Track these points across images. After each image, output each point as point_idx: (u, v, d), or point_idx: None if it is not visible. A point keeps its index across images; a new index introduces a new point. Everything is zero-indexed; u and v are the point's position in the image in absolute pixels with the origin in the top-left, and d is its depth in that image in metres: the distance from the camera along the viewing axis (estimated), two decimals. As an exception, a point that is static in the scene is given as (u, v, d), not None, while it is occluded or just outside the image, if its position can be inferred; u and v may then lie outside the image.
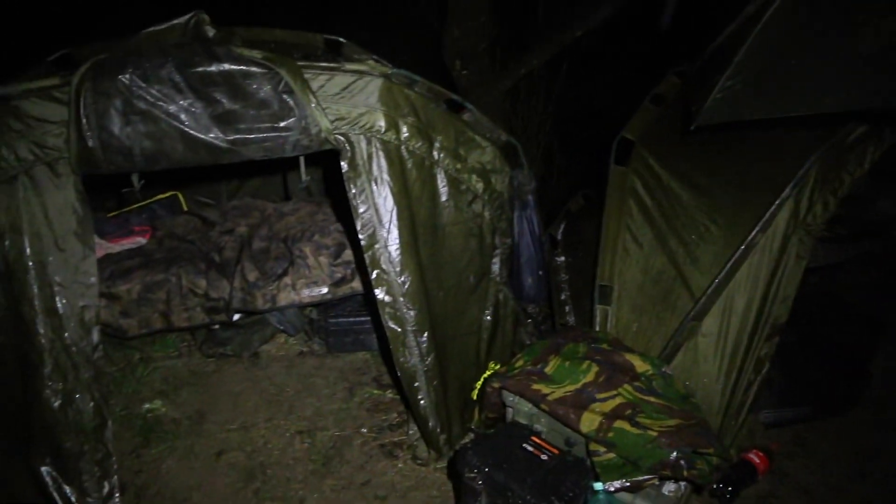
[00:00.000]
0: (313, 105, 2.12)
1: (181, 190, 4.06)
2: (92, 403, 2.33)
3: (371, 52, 2.44)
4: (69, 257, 2.22)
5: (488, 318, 2.78)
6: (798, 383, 2.88)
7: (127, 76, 2.01)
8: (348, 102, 2.19)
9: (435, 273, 2.51)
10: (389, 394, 3.19)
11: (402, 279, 2.37)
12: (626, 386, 2.27)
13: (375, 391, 3.22)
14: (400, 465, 2.73)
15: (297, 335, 3.63)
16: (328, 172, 4.14)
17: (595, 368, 2.35)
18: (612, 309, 2.75)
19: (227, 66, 2.06)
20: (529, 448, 2.17)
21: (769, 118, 2.02)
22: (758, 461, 2.55)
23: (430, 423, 2.59)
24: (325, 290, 3.26)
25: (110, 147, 2.07)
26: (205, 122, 2.09)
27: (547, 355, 2.47)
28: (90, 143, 2.05)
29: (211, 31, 2.11)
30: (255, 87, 2.08)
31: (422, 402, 2.54)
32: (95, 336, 2.31)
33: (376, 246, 2.33)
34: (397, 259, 2.35)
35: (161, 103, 2.05)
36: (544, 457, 2.13)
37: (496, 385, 2.41)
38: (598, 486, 2.06)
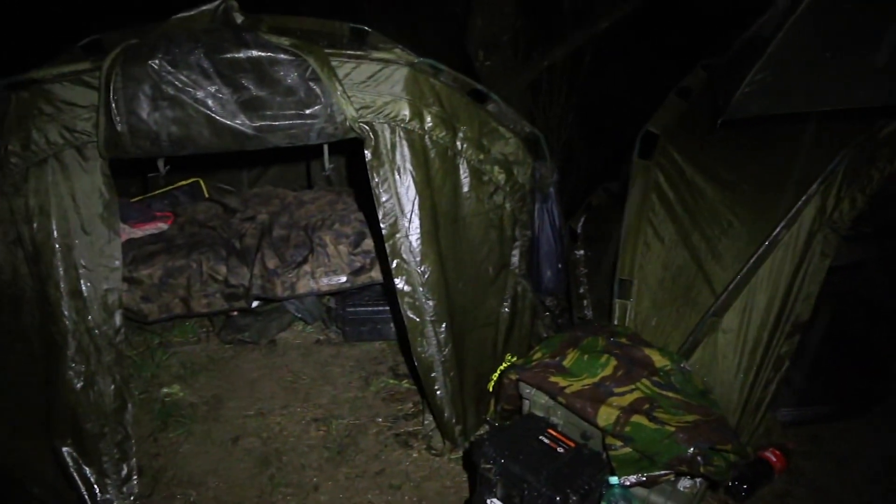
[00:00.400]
0: (339, 93, 2.13)
1: (203, 177, 4.09)
2: (113, 386, 2.36)
3: (396, 42, 2.43)
4: (95, 240, 2.24)
5: (506, 309, 2.78)
6: (818, 382, 2.85)
7: (156, 61, 2.03)
8: (374, 91, 2.19)
9: (454, 264, 2.51)
10: (405, 384, 3.20)
11: (423, 269, 2.37)
12: (644, 380, 2.26)
13: (391, 381, 3.23)
14: (414, 455, 2.74)
15: (315, 323, 3.65)
16: (350, 161, 4.15)
17: (613, 362, 2.34)
18: (631, 303, 2.73)
19: (255, 53, 2.07)
20: (545, 440, 2.17)
21: (798, 112, 2.00)
22: (774, 460, 2.53)
23: (446, 414, 2.60)
24: (343, 278, 3.28)
25: (138, 132, 2.09)
26: (231, 109, 2.10)
27: (565, 348, 2.46)
28: (118, 128, 2.06)
29: (239, 18, 2.12)
30: (282, 73, 2.09)
31: (438, 392, 2.55)
32: (118, 319, 2.33)
33: (397, 235, 2.33)
34: (418, 249, 2.35)
35: (189, 89, 2.06)
36: (560, 449, 2.13)
37: (513, 377, 2.41)
38: (614, 480, 2.05)
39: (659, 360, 2.38)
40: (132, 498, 2.40)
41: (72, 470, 2.35)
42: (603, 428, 2.11)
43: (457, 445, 2.70)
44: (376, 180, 2.27)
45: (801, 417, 2.84)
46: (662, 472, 2.06)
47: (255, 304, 3.39)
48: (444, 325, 2.45)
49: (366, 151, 2.24)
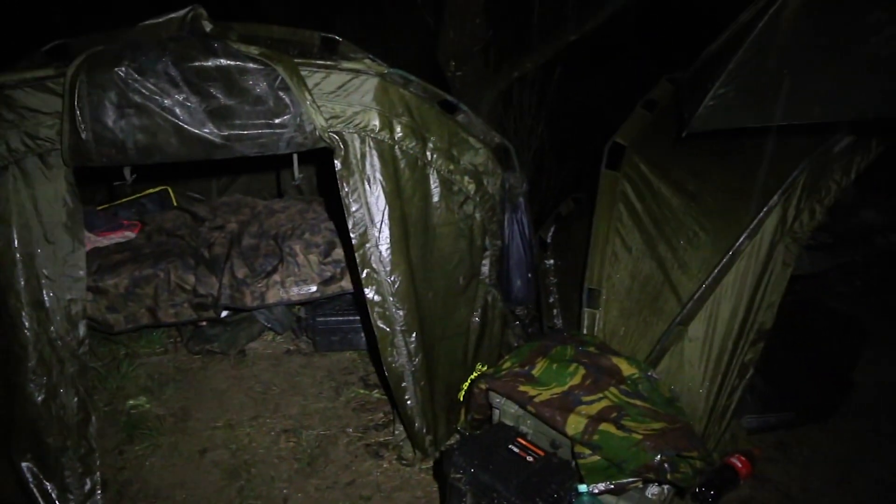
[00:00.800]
0: (309, 102, 2.12)
1: (171, 185, 4.04)
2: (76, 398, 2.31)
3: (367, 52, 2.44)
4: (58, 250, 2.20)
5: (477, 319, 2.79)
6: (781, 389, 2.91)
7: (122, 69, 2.01)
8: (343, 101, 2.19)
9: (425, 273, 2.52)
10: (376, 394, 3.19)
11: (392, 279, 2.37)
12: (612, 389, 2.29)
13: (362, 391, 3.22)
14: (385, 466, 2.73)
15: (285, 333, 3.62)
16: (320, 170, 4.14)
17: (582, 371, 2.37)
18: (599, 312, 2.77)
19: (223, 62, 2.06)
20: (515, 449, 2.18)
21: (760, 126, 2.05)
22: (740, 466, 2.57)
23: (417, 424, 2.59)
24: (314, 288, 3.26)
25: (103, 140, 2.06)
26: (199, 117, 2.08)
27: (534, 357, 2.48)
28: (83, 136, 2.04)
29: (208, 26, 2.11)
30: (251, 83, 2.08)
31: (408, 402, 2.54)
32: (82, 330, 2.29)
33: (367, 245, 2.33)
34: (388, 259, 2.35)
35: (156, 97, 2.04)
36: (530, 458, 2.14)
37: (483, 386, 2.42)
38: (583, 488, 2.07)
39: (626, 368, 2.41)
40: (96, 513, 2.35)
41: (32, 486, 2.30)
42: (572, 436, 2.13)
43: (427, 455, 2.69)
44: (346, 190, 2.27)
45: (766, 424, 2.90)
46: (630, 479, 2.08)
47: (224, 313, 3.35)
48: (414, 335, 2.45)
49: (336, 161, 2.24)
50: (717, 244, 2.50)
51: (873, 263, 3.96)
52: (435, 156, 2.43)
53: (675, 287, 2.58)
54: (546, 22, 5.03)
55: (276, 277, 3.21)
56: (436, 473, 2.63)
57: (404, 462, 2.73)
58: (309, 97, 2.13)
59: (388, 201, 2.31)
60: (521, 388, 2.30)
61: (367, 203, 2.29)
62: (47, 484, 2.31)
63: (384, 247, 2.34)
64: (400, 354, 2.47)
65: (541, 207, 4.63)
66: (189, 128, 2.08)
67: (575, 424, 2.12)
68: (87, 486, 2.35)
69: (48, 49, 2.30)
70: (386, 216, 2.31)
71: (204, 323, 3.43)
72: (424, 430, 2.62)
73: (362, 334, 3.43)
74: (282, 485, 2.61)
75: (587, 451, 2.11)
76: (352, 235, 2.32)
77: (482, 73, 4.40)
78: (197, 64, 2.05)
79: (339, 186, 2.28)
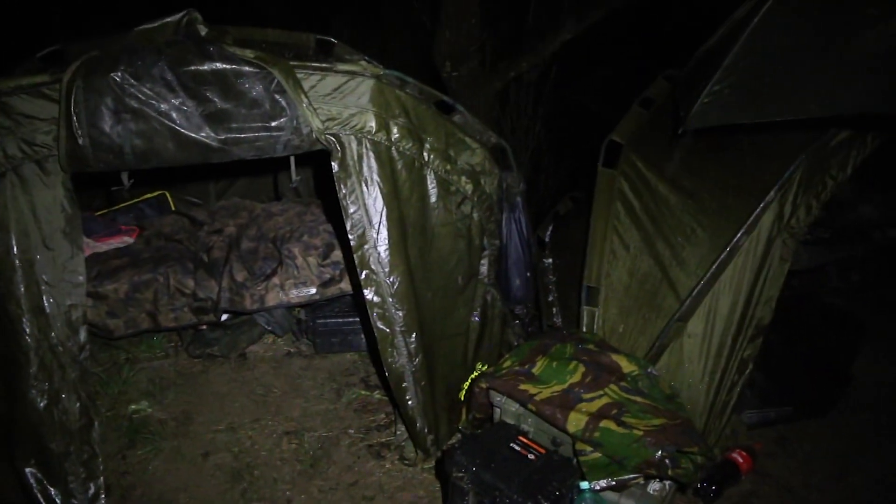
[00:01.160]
0: (305, 105, 2.13)
1: (169, 189, 4.04)
2: (78, 403, 2.32)
3: (362, 53, 2.44)
4: (57, 256, 2.21)
5: (476, 319, 2.80)
6: (780, 384, 2.92)
7: (119, 74, 2.01)
8: (340, 103, 2.20)
9: (423, 274, 2.52)
10: (377, 395, 3.20)
11: (391, 280, 2.38)
12: (612, 386, 2.30)
13: (363, 392, 3.22)
14: (387, 466, 2.74)
15: (285, 336, 3.62)
16: (318, 173, 4.14)
17: (582, 369, 2.38)
18: (598, 310, 2.78)
19: (219, 65, 2.06)
20: (517, 448, 2.18)
21: (756, 122, 2.06)
22: (741, 461, 2.59)
23: (418, 424, 2.60)
24: (313, 290, 3.26)
25: (101, 145, 2.06)
26: (196, 121, 2.09)
27: (534, 356, 2.49)
28: (80, 141, 2.04)
29: (203, 30, 2.11)
30: (247, 86, 2.08)
31: (409, 402, 2.55)
32: (82, 335, 2.29)
33: (366, 246, 2.34)
34: (386, 260, 2.36)
35: (153, 101, 2.05)
36: (531, 456, 2.15)
37: (484, 385, 2.42)
38: (585, 485, 2.07)
39: (626, 365, 2.42)
40: (99, 518, 2.35)
41: (36, 491, 2.30)
42: (573, 434, 2.14)
43: (429, 455, 2.70)
44: (344, 192, 2.28)
45: (766, 419, 2.91)
46: (632, 475, 2.09)
47: (224, 317, 3.35)
48: (414, 336, 2.46)
49: (333, 163, 2.25)
50: (714, 241, 2.51)
51: (871, 258, 3.97)
52: (432, 156, 2.43)
53: (673, 284, 2.59)
54: (542, 22, 5.04)
55: (276, 280, 3.21)
56: (438, 473, 2.63)
57: (406, 462, 2.73)
58: (305, 100, 2.13)
59: (386, 202, 2.31)
60: (522, 386, 2.31)
61: (364, 204, 2.29)
62: (51, 489, 2.31)
63: (382, 248, 2.34)
64: (400, 355, 2.47)
65: (539, 206, 4.64)
66: (186, 132, 2.09)
67: (576, 422, 2.13)
68: (91, 491, 2.35)
69: (43, 55, 2.29)
70: (384, 217, 2.31)
71: (204, 327, 3.43)
72: (426, 430, 2.62)
73: (362, 336, 3.43)
74: (285, 487, 2.62)
75: (588, 449, 2.12)
76: (350, 237, 2.33)
77: (478, 74, 4.40)
78: (193, 68, 2.05)
79: (337, 188, 2.28)
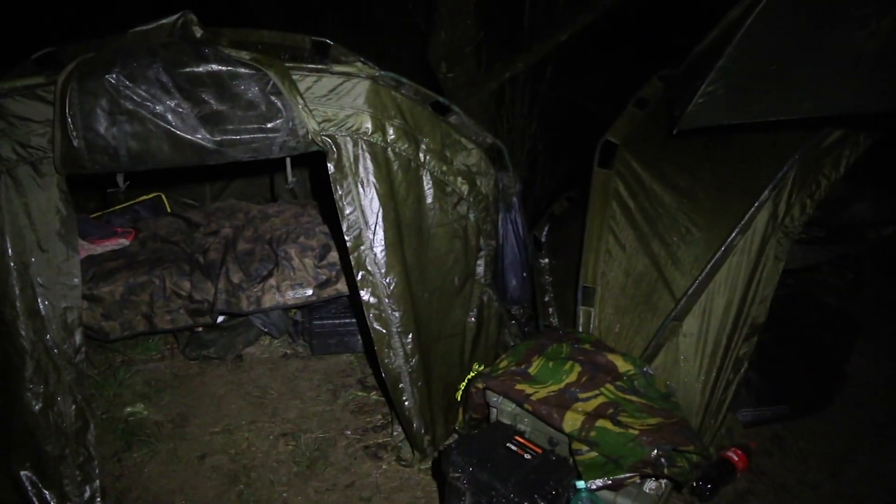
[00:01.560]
0: (301, 106, 2.13)
1: (165, 191, 4.04)
2: (74, 406, 2.31)
3: (358, 55, 2.45)
4: (52, 258, 2.20)
5: (473, 319, 2.80)
6: (776, 383, 2.93)
7: (114, 76, 2.00)
8: (335, 104, 2.20)
9: (420, 274, 2.52)
10: (374, 395, 3.20)
11: (388, 280, 2.38)
12: (608, 385, 2.30)
13: (360, 393, 3.22)
14: (384, 467, 2.74)
15: (282, 337, 3.62)
16: (314, 174, 4.14)
17: (578, 368, 2.38)
18: (595, 310, 2.78)
19: (215, 67, 2.06)
20: (513, 447, 2.19)
21: (750, 122, 2.07)
22: (736, 459, 2.60)
23: (415, 425, 2.60)
24: (309, 291, 3.26)
25: (96, 147, 2.06)
26: (192, 123, 2.08)
27: (531, 356, 2.50)
28: (75, 143, 2.03)
29: (198, 32, 2.10)
30: (242, 87, 2.08)
31: (406, 403, 2.55)
32: (78, 338, 2.29)
33: (362, 247, 2.34)
34: (382, 260, 2.36)
35: (148, 103, 2.04)
36: (528, 456, 2.15)
37: (480, 385, 2.43)
38: (581, 484, 2.08)
39: (622, 365, 2.43)
40: (96, 520, 2.34)
41: (31, 495, 2.29)
42: (569, 433, 2.14)
43: (426, 455, 2.70)
44: (340, 193, 2.28)
45: (761, 417, 2.92)
46: (628, 474, 2.10)
47: (220, 319, 3.35)
48: (410, 336, 2.46)
49: (329, 164, 2.25)
50: (709, 240, 2.52)
51: (865, 257, 4.00)
52: (428, 157, 2.44)
53: (668, 283, 2.60)
54: (537, 22, 5.06)
55: (272, 282, 3.21)
56: (435, 473, 2.63)
57: (403, 463, 2.73)
58: (301, 101, 2.13)
59: (382, 203, 2.31)
60: (518, 386, 2.31)
61: (360, 205, 2.29)
62: (46, 492, 2.30)
63: (379, 249, 2.34)
64: (397, 356, 2.47)
65: (535, 207, 4.65)
66: (181, 134, 2.08)
67: (572, 421, 2.13)
68: (87, 494, 2.34)
69: (37, 57, 2.29)
70: (380, 218, 2.32)
71: (200, 329, 3.42)
72: (423, 431, 2.62)
73: (359, 337, 3.43)
74: (281, 488, 2.62)
75: (584, 448, 2.13)
76: (346, 238, 2.33)
77: (474, 74, 4.41)
78: (188, 70, 2.05)
79: (333, 189, 2.28)
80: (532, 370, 2.41)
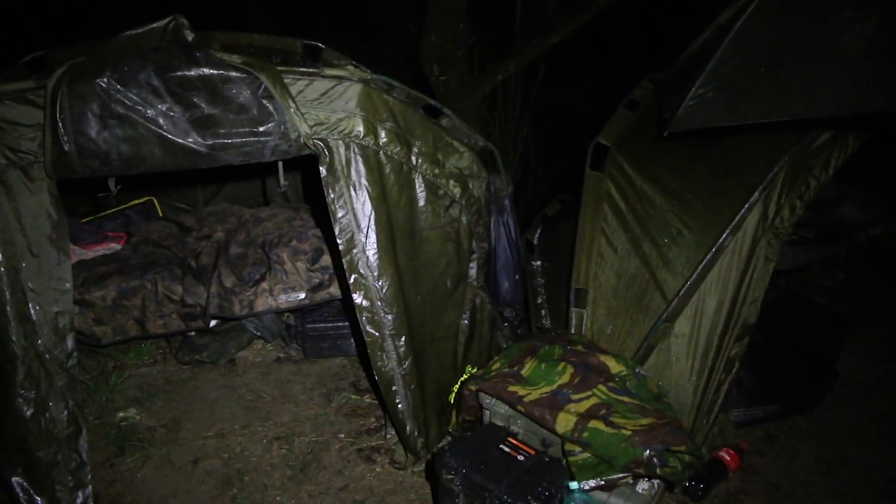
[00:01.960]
0: (292, 110, 2.13)
1: (157, 195, 4.02)
2: (66, 412, 2.29)
3: (350, 58, 2.45)
4: (43, 263, 2.19)
5: (465, 322, 2.81)
6: (767, 383, 2.95)
7: (104, 80, 2.00)
8: (327, 107, 2.20)
9: (412, 277, 2.53)
10: (367, 398, 3.19)
11: (380, 283, 2.38)
12: (600, 386, 2.31)
13: (353, 396, 3.22)
14: (378, 470, 2.73)
15: (275, 341, 3.62)
16: (306, 177, 4.14)
17: (570, 370, 2.39)
18: (587, 312, 2.79)
19: (206, 71, 2.06)
20: (506, 449, 2.19)
21: (739, 125, 2.08)
22: (728, 459, 2.61)
23: (408, 427, 2.60)
24: (302, 295, 3.26)
25: (87, 151, 2.05)
26: (183, 127, 2.08)
27: (523, 358, 2.50)
28: (66, 148, 2.03)
29: (190, 35, 2.10)
30: (234, 91, 2.08)
31: (399, 406, 2.55)
32: (70, 343, 2.27)
33: (354, 251, 2.34)
34: (375, 263, 2.36)
35: (139, 107, 2.04)
36: (521, 457, 2.16)
37: (473, 388, 2.43)
38: (574, 485, 2.09)
39: (614, 366, 2.44)
40: (88, 526, 2.33)
41: (23, 501, 2.28)
42: (562, 434, 2.15)
43: (419, 458, 2.70)
44: (332, 196, 2.28)
45: (753, 417, 2.93)
46: (620, 475, 2.11)
47: (212, 323, 3.34)
48: (403, 339, 2.46)
49: (321, 168, 2.25)
50: (700, 241, 2.53)
51: (855, 257, 4.03)
52: (420, 160, 2.44)
53: (660, 284, 2.61)
54: (529, 24, 5.07)
55: (265, 285, 3.21)
56: (428, 475, 2.63)
57: (397, 465, 2.73)
58: (292, 105, 2.13)
59: (374, 206, 2.32)
60: (511, 388, 2.32)
61: (353, 209, 2.30)
62: (38, 499, 2.29)
63: (371, 252, 2.35)
64: (389, 359, 2.47)
65: (527, 209, 4.66)
66: (173, 137, 2.08)
67: (564, 422, 2.14)
68: (79, 500, 2.33)
69: (27, 61, 2.28)
70: (372, 221, 2.32)
71: (193, 333, 3.42)
72: (416, 433, 2.62)
73: (352, 340, 3.43)
74: (275, 492, 2.61)
75: (577, 449, 2.14)
76: (338, 241, 2.33)
77: (466, 77, 4.42)
78: (180, 73, 2.05)
79: (325, 193, 2.28)
80: (525, 372, 2.41)
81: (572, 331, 2.79)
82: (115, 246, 3.45)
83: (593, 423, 2.12)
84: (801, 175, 2.43)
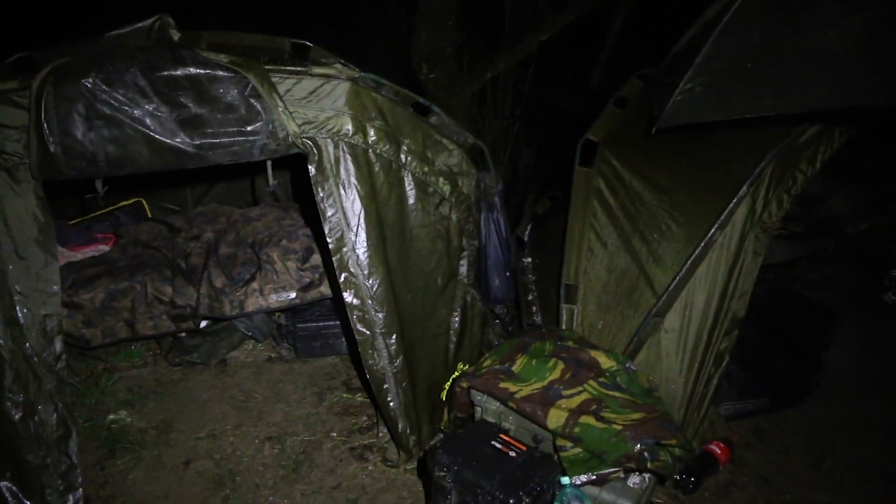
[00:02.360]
0: (280, 109, 2.12)
1: (145, 196, 4.00)
2: (55, 414, 2.28)
3: (338, 56, 2.45)
4: (30, 265, 2.17)
5: (456, 319, 2.81)
6: (756, 376, 2.97)
7: (90, 80, 1.99)
8: (316, 106, 2.20)
9: (403, 275, 2.53)
10: (359, 397, 3.19)
11: (371, 282, 2.38)
12: (591, 382, 2.32)
13: (345, 395, 3.22)
14: (370, 468, 2.73)
15: (266, 341, 3.60)
16: (295, 176, 4.13)
17: (561, 366, 2.40)
18: (577, 307, 2.81)
19: (193, 70, 2.05)
20: (498, 445, 2.20)
21: (727, 120, 2.10)
22: (719, 452, 2.63)
23: (400, 425, 2.60)
24: (293, 294, 3.25)
25: (73, 152, 2.04)
26: (171, 127, 2.07)
27: (514, 354, 2.51)
28: (52, 149, 2.01)
29: (175, 35, 2.09)
30: (221, 91, 2.07)
31: (391, 404, 2.55)
32: (58, 346, 2.26)
33: (344, 249, 2.34)
34: (365, 262, 2.36)
35: (126, 108, 2.03)
36: (512, 453, 2.16)
37: (465, 384, 2.44)
38: (566, 480, 2.09)
39: (605, 361, 2.45)
40: (78, 530, 2.32)
41: (12, 505, 2.26)
42: (553, 430, 2.16)
43: (412, 456, 2.70)
44: (321, 195, 2.28)
45: (742, 411, 2.96)
46: (612, 469, 2.12)
47: (203, 324, 3.33)
48: (394, 337, 2.46)
49: (310, 167, 2.24)
50: (689, 236, 2.55)
51: (843, 251, 4.06)
52: (409, 158, 2.44)
53: (650, 280, 2.62)
54: (518, 22, 5.08)
55: (255, 285, 3.19)
56: (420, 473, 2.64)
57: (389, 463, 2.73)
58: (280, 104, 2.13)
59: (364, 205, 2.31)
60: (502, 384, 2.32)
61: (342, 207, 2.29)
62: (28, 502, 2.27)
63: (361, 250, 2.34)
64: (381, 357, 2.47)
65: (517, 206, 4.67)
66: (160, 138, 2.07)
67: (556, 418, 2.15)
68: (70, 503, 2.32)
69: (11, 62, 2.26)
70: (362, 220, 2.32)
71: (183, 334, 3.40)
72: (408, 431, 2.62)
73: (343, 339, 3.42)
74: (267, 492, 2.60)
75: (569, 444, 2.15)
76: (328, 240, 2.32)
77: (455, 75, 4.42)
78: (166, 73, 2.04)
79: (314, 192, 2.28)
80: (516, 368, 2.42)
81: (563, 327, 2.81)
82: (104, 247, 3.43)
83: (584, 419, 2.13)
84: (789, 169, 2.45)
